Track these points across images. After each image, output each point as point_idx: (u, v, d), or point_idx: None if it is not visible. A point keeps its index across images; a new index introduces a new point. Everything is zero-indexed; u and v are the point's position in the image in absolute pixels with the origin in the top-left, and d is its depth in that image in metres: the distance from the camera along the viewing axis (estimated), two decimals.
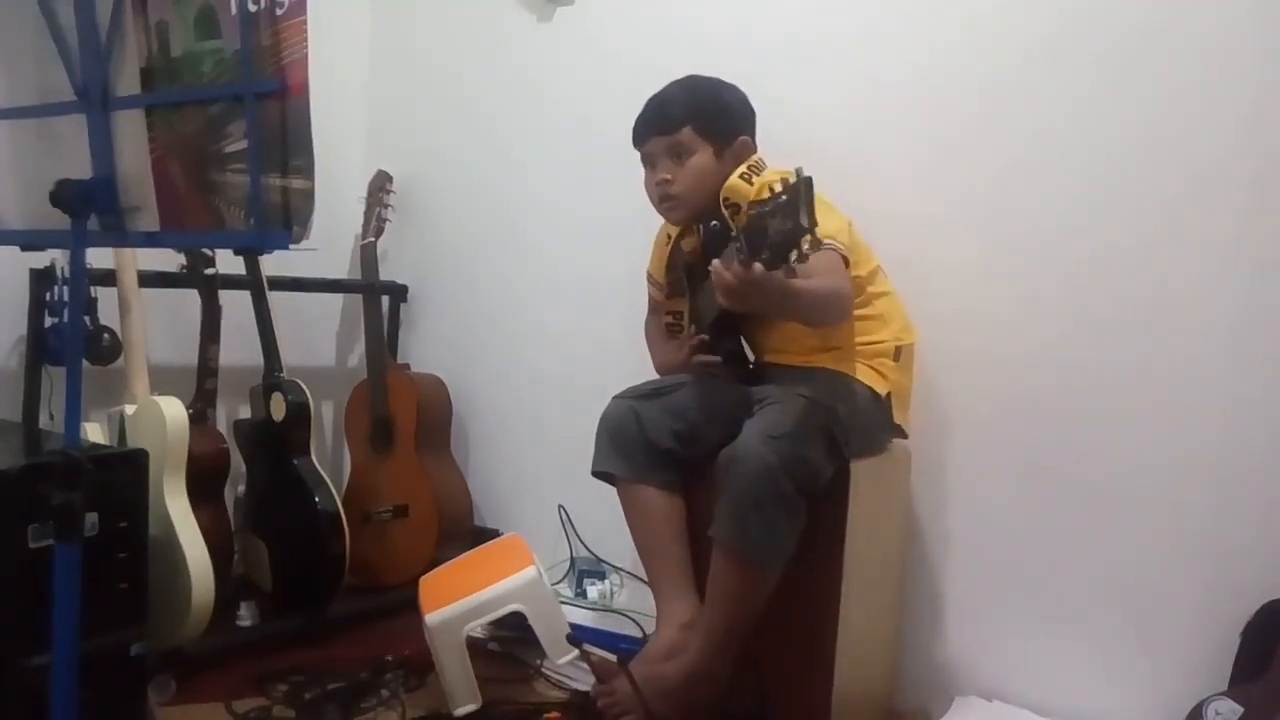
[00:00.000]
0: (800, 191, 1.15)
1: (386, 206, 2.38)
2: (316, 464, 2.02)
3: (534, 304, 2.33)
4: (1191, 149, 1.55)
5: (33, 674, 1.30)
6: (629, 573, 2.08)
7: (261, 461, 2.07)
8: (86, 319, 1.85)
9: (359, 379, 2.32)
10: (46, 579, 1.05)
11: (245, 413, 2.17)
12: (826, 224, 1.50)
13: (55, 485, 1.03)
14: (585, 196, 2.23)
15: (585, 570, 2.11)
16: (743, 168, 1.61)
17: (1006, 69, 1.70)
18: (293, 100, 0.97)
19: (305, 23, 0.97)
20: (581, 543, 2.18)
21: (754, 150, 1.67)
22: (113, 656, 1.45)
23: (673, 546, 1.59)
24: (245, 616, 1.92)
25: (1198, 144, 1.54)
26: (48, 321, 1.85)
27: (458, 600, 1.64)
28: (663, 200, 1.67)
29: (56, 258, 1.84)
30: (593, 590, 2.05)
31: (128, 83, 1.08)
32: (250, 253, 1.83)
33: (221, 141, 1.02)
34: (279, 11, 0.97)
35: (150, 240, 1.10)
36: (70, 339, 1.20)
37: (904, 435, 1.70)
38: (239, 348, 2.08)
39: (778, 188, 1.21)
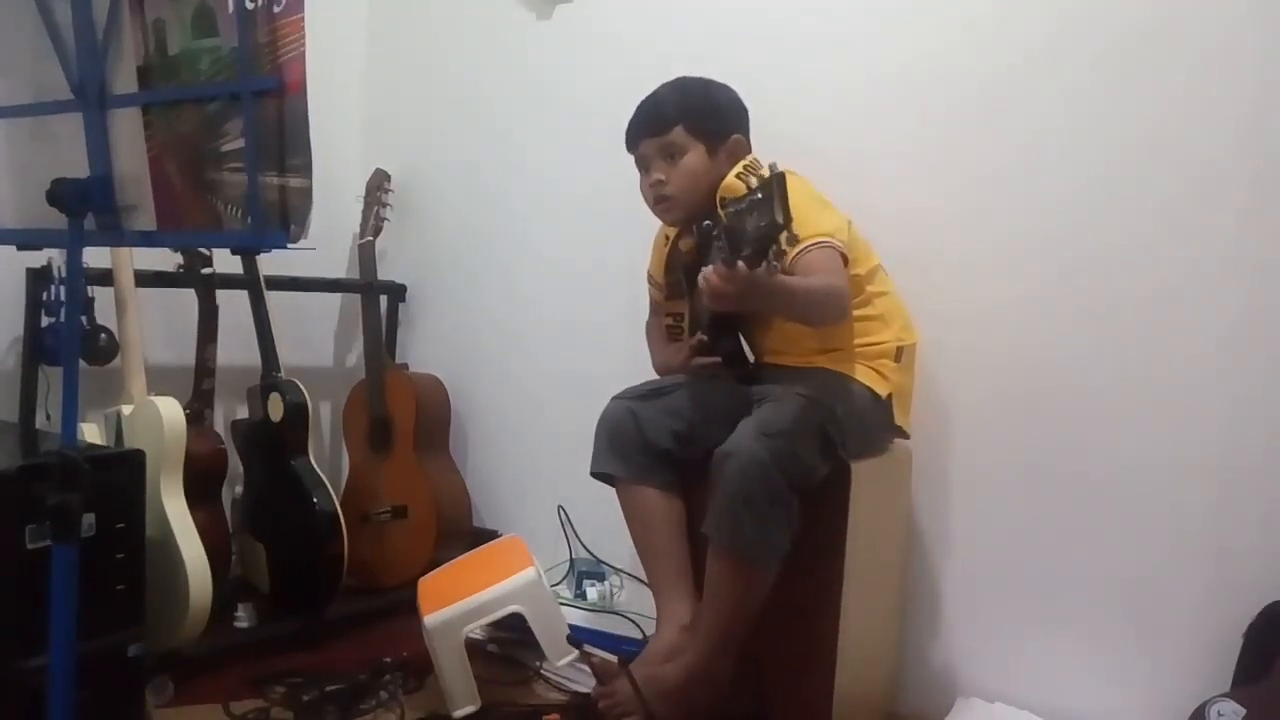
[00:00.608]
0: (773, 187, 1.14)
1: (385, 205, 2.37)
2: (314, 465, 2.01)
3: (533, 304, 2.33)
4: (1191, 149, 1.55)
5: (30, 675, 1.29)
6: (629, 574, 2.08)
7: (259, 462, 2.06)
8: (83, 319, 1.84)
9: (357, 379, 2.32)
10: (43, 580, 1.05)
11: (243, 413, 2.16)
12: (825, 222, 1.51)
13: (52, 486, 1.03)
14: (585, 196, 2.22)
15: (585, 571, 2.11)
16: (738, 167, 1.61)
17: (1006, 69, 1.70)
18: (290, 98, 0.97)
19: (302, 20, 0.97)
20: (581, 544, 2.17)
21: (748, 148, 1.67)
22: (110, 658, 1.44)
23: (672, 547, 1.59)
24: (243, 618, 1.92)
25: (1198, 144, 1.54)
26: (44, 321, 1.84)
27: (457, 601, 1.64)
28: (658, 202, 1.67)
29: (53, 257, 1.84)
30: (592, 591, 2.04)
31: (124, 81, 1.07)
32: (248, 252, 1.82)
33: (219, 140, 1.02)
34: (276, 9, 0.97)
35: (147, 239, 1.10)
36: (67, 339, 1.20)
37: (905, 436, 1.69)
38: (236, 348, 2.08)
39: (754, 182, 1.20)
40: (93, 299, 1.86)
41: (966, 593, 1.77)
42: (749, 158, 1.64)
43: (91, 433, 1.78)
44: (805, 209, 1.51)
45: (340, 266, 2.55)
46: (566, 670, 1.72)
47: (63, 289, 1.81)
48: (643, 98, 1.68)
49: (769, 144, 1.68)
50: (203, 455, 1.85)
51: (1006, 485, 1.71)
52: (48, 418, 1.86)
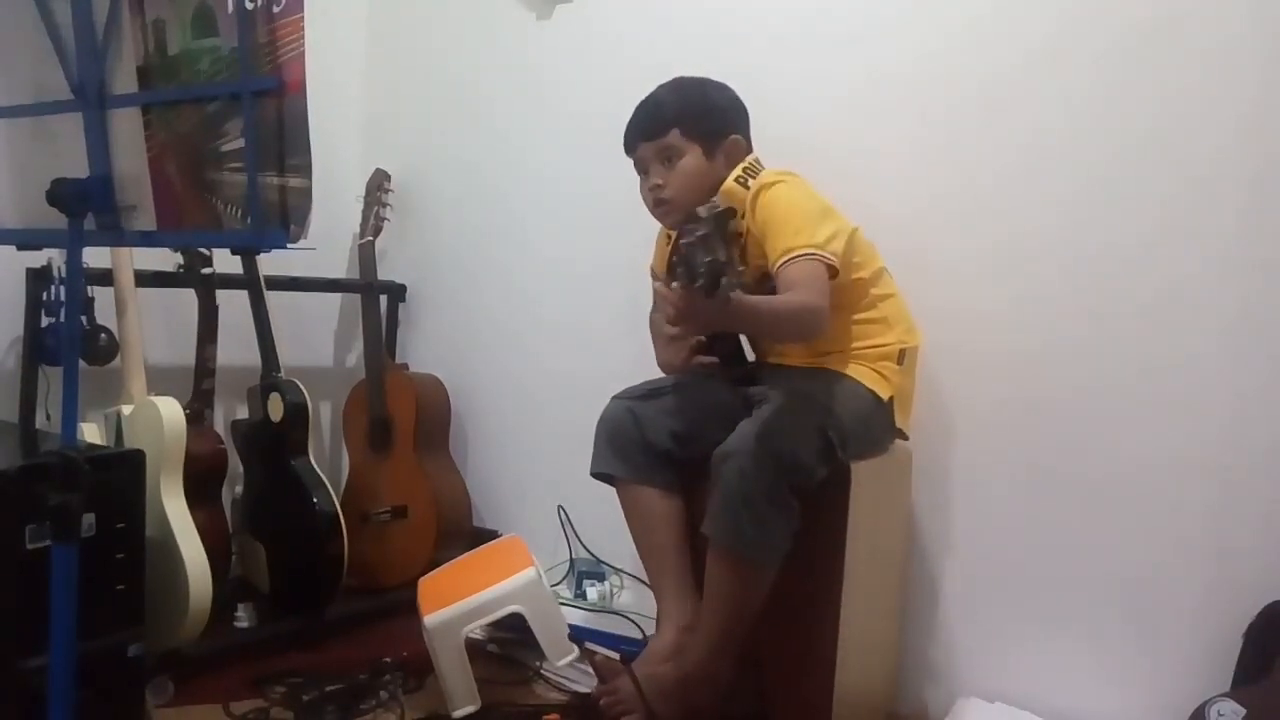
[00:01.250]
0: (712, 226, 1.14)
1: (385, 205, 2.37)
2: (314, 465, 2.01)
3: (533, 304, 2.33)
4: (1191, 149, 1.55)
5: (30, 675, 1.29)
6: (629, 574, 2.07)
7: (259, 462, 2.06)
8: (83, 319, 1.84)
9: (357, 379, 2.32)
10: (44, 580, 1.05)
11: (243, 413, 2.16)
12: (818, 232, 1.49)
13: (52, 486, 1.03)
14: (585, 195, 2.22)
15: (585, 571, 2.11)
16: (738, 171, 1.60)
17: (1006, 69, 1.70)
18: (290, 98, 0.97)
19: (302, 20, 0.97)
20: (581, 544, 2.17)
21: (747, 149, 1.66)
22: (110, 658, 1.44)
23: (672, 547, 1.59)
24: (243, 618, 1.92)
25: (1198, 144, 1.54)
26: (44, 321, 1.84)
27: (457, 601, 1.64)
28: (656, 205, 1.66)
29: (53, 257, 1.84)
30: (592, 591, 2.04)
31: (124, 81, 1.07)
32: (248, 252, 1.83)
33: (219, 140, 1.02)
34: (276, 9, 0.97)
35: (147, 239, 1.10)
36: (67, 339, 1.20)
37: (904, 438, 1.69)
38: (236, 348, 2.08)
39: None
40: (93, 299, 1.86)
41: (966, 592, 1.77)
42: (749, 159, 1.63)
43: (91, 433, 1.78)
44: (799, 218, 1.51)
45: (340, 266, 2.55)
46: (566, 670, 1.72)
47: (63, 289, 1.81)
48: (640, 99, 1.68)
49: (769, 145, 1.69)
50: (203, 455, 1.85)
51: (1006, 485, 1.71)
52: (48, 418, 1.86)
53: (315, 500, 1.96)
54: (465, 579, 1.72)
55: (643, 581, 1.89)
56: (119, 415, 1.77)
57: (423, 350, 2.52)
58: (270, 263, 2.03)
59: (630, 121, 1.67)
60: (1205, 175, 1.53)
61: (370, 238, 2.33)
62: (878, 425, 1.60)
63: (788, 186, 1.56)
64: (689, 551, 1.58)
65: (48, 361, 1.85)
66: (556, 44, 2.27)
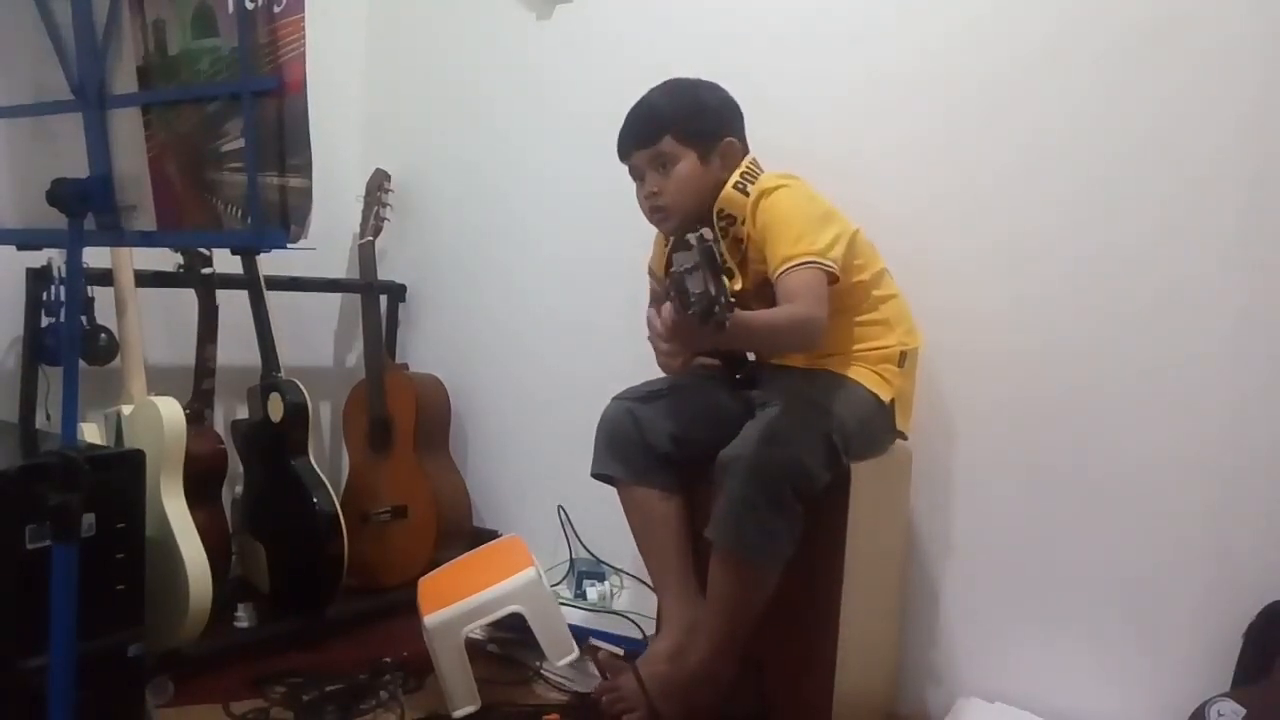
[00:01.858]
0: (702, 258, 1.14)
1: (385, 205, 2.37)
2: (314, 465, 2.01)
3: (533, 303, 2.33)
4: (1191, 149, 1.55)
5: (30, 675, 1.29)
6: (629, 574, 2.07)
7: (259, 462, 2.06)
8: (83, 319, 1.84)
9: (357, 379, 2.32)
10: (44, 580, 1.05)
11: (243, 413, 2.16)
12: (820, 238, 1.49)
13: (52, 486, 1.03)
14: (585, 195, 2.22)
15: (585, 571, 2.11)
16: (736, 176, 1.59)
17: (1007, 69, 1.70)
18: (290, 98, 0.97)
19: (302, 20, 0.97)
20: (581, 544, 2.17)
21: (742, 150, 1.64)
22: (110, 658, 1.44)
23: (674, 548, 1.58)
24: (243, 618, 1.92)
25: (1198, 144, 1.54)
26: (44, 321, 1.84)
27: (457, 601, 1.64)
28: (653, 212, 1.65)
29: (53, 257, 1.84)
30: (592, 591, 2.04)
31: (124, 81, 1.07)
32: (248, 252, 1.83)
33: (219, 140, 1.02)
34: (276, 9, 0.96)
35: (147, 239, 1.10)
36: (67, 339, 1.20)
37: (904, 438, 1.69)
38: (236, 348, 2.08)
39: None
40: (93, 299, 1.86)
41: (966, 593, 1.77)
42: (746, 161, 1.62)
43: (91, 433, 1.78)
44: (800, 224, 1.50)
45: (340, 266, 2.55)
46: (566, 670, 1.72)
47: (63, 289, 1.81)
48: (634, 103, 1.66)
49: (768, 146, 1.68)
50: (203, 455, 1.85)
51: (1006, 485, 1.71)
52: (48, 418, 1.86)
53: (315, 500, 1.96)
54: (465, 579, 1.72)
55: (643, 581, 1.90)
56: (119, 415, 1.77)
57: (423, 350, 2.52)
58: (270, 263, 2.03)
59: (623, 128, 1.65)
60: (1205, 175, 1.54)
61: (370, 238, 2.33)
62: (879, 428, 1.59)
63: (788, 191, 1.55)
64: (691, 552, 1.58)
65: (48, 361, 1.85)
66: (556, 44, 2.27)
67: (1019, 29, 1.69)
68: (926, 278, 1.74)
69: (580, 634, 1.77)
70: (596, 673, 1.68)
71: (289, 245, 0.99)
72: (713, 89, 1.65)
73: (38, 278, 1.84)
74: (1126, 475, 1.60)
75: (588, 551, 2.16)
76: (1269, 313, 1.49)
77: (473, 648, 1.66)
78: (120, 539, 1.46)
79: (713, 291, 1.13)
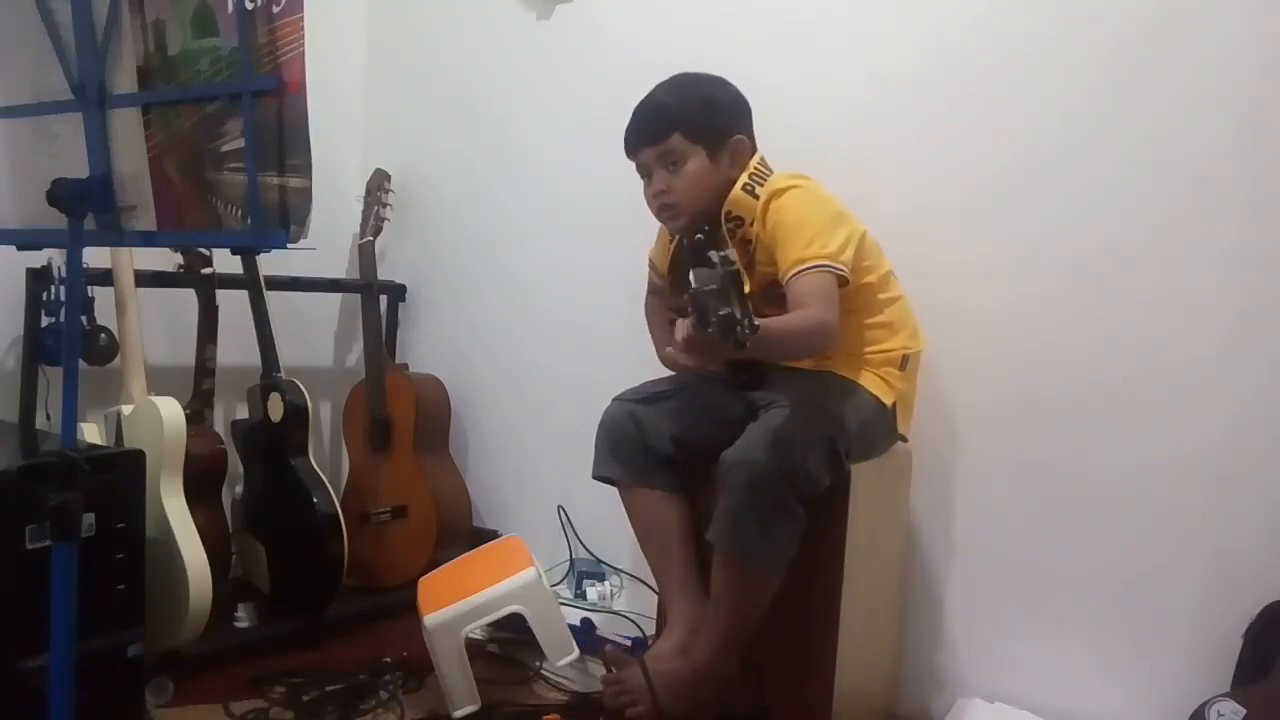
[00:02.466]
0: (726, 283, 1.14)
1: (385, 205, 2.37)
2: (314, 465, 2.01)
3: (533, 303, 2.32)
4: (1191, 149, 1.54)
5: (30, 675, 1.29)
6: (629, 574, 2.07)
7: (259, 462, 2.06)
8: (83, 319, 1.84)
9: (357, 379, 2.32)
10: (44, 580, 1.05)
11: (243, 413, 2.16)
12: (832, 240, 1.48)
13: (52, 486, 1.03)
14: (585, 194, 2.22)
15: (585, 571, 2.11)
16: (744, 178, 1.58)
17: (1007, 68, 1.70)
18: (290, 98, 0.97)
19: (302, 20, 0.97)
20: (581, 544, 2.17)
21: (751, 148, 1.63)
22: (110, 658, 1.45)
23: (677, 549, 1.58)
24: (243, 618, 1.92)
25: (1198, 144, 1.54)
26: (44, 321, 1.84)
27: (457, 601, 1.64)
28: (662, 210, 1.64)
29: (53, 257, 1.84)
30: (592, 591, 2.04)
31: (124, 81, 1.07)
32: (248, 252, 1.83)
33: (219, 140, 1.02)
34: (276, 9, 0.97)
35: (147, 240, 1.10)
36: (67, 339, 1.20)
37: (904, 440, 1.69)
38: (236, 348, 2.08)
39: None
40: (93, 299, 1.86)
41: (966, 593, 1.77)
42: (754, 161, 1.60)
43: (91, 433, 1.78)
44: (812, 226, 1.49)
45: (340, 266, 2.55)
46: (566, 670, 1.72)
47: (63, 289, 1.81)
48: (640, 100, 1.64)
49: (767, 146, 1.68)
50: (203, 455, 1.85)
51: (1006, 485, 1.71)
52: (48, 418, 1.86)
53: (315, 500, 1.96)
54: (465, 579, 1.72)
55: (643, 581, 1.90)
56: (119, 415, 1.77)
57: (423, 350, 2.52)
58: (270, 263, 2.03)
59: (630, 124, 1.64)
60: (1205, 175, 1.53)
61: (370, 238, 2.33)
62: (880, 431, 1.59)
63: (800, 192, 1.54)
64: (694, 551, 1.57)
65: (48, 361, 1.85)
66: (556, 44, 2.27)
67: (1019, 29, 1.69)
68: (927, 278, 1.74)
69: (584, 628, 1.77)
70: (599, 670, 1.68)
71: (289, 245, 0.99)
72: (721, 85, 1.63)
73: (38, 278, 1.84)
74: (1126, 475, 1.60)
75: (588, 551, 2.16)
76: (1269, 313, 1.49)
77: (473, 648, 1.67)
78: (120, 539, 1.46)
79: (737, 314, 1.12)
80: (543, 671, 1.80)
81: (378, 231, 2.35)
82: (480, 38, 2.39)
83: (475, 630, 1.67)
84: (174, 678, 1.66)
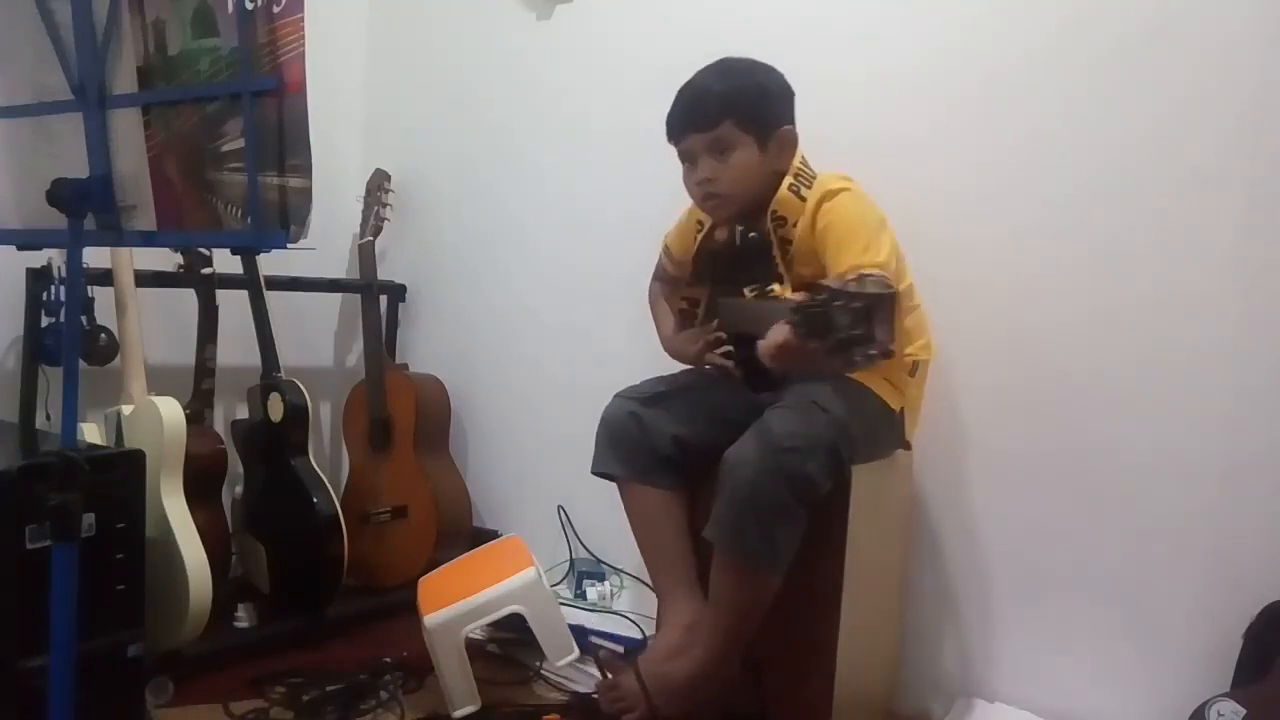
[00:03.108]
0: (882, 307, 1.11)
1: (385, 205, 2.37)
2: (314, 465, 2.01)
3: (533, 303, 2.33)
4: (1191, 149, 1.54)
5: (30, 675, 1.29)
6: (629, 574, 2.07)
7: (259, 462, 2.06)
8: (83, 319, 1.84)
9: (357, 379, 2.32)
10: (43, 580, 1.05)
11: (243, 413, 2.16)
12: (881, 248, 1.46)
13: (52, 486, 1.03)
14: (585, 195, 2.22)
15: (585, 571, 2.11)
16: (790, 178, 1.55)
17: (1006, 69, 1.70)
18: (290, 98, 0.97)
19: (302, 20, 0.97)
20: (581, 544, 2.17)
21: (797, 138, 1.59)
22: (110, 658, 1.44)
23: (674, 547, 1.58)
24: (243, 618, 1.92)
25: (1198, 144, 1.54)
26: (44, 321, 1.84)
27: (457, 601, 1.63)
28: (706, 199, 1.60)
29: (53, 257, 1.84)
30: (592, 592, 2.04)
31: (124, 81, 1.07)
32: (248, 252, 1.83)
33: (219, 140, 1.02)
34: (276, 9, 0.97)
35: (147, 239, 1.10)
36: (67, 339, 1.20)
37: (907, 448, 1.68)
38: (236, 348, 2.08)
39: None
40: (93, 299, 1.86)
41: (966, 593, 1.77)
42: (797, 163, 1.57)
43: (91, 433, 1.78)
44: (867, 232, 1.48)
45: (340, 266, 2.55)
46: (566, 670, 1.72)
47: (63, 289, 1.81)
48: (682, 85, 1.59)
49: None
50: (203, 455, 1.85)
51: (1006, 485, 1.71)
52: (48, 418, 1.86)
53: (315, 500, 1.96)
54: (465, 579, 1.72)
55: (643, 581, 1.89)
56: (119, 415, 1.77)
57: (423, 350, 2.52)
58: (270, 263, 2.03)
59: (675, 109, 1.59)
60: (1204, 175, 1.53)
61: (370, 238, 2.33)
62: (885, 436, 1.59)
63: (851, 196, 1.53)
64: (692, 550, 1.57)
65: (48, 361, 1.85)
66: (556, 44, 2.27)
67: (1019, 29, 1.69)
68: (926, 278, 1.73)
69: (579, 634, 1.77)
70: (596, 672, 1.68)
71: (289, 245, 0.99)
72: (771, 72, 1.58)
73: (38, 278, 1.84)
74: (1126, 475, 1.60)
75: (588, 551, 2.16)
76: (1269, 313, 1.49)
77: (473, 648, 1.66)
78: (120, 539, 1.46)
79: (879, 337, 1.10)
80: (543, 671, 1.80)
81: (378, 231, 2.35)
82: (480, 38, 2.39)
83: (475, 630, 1.67)
84: (174, 678, 1.66)
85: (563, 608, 1.79)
